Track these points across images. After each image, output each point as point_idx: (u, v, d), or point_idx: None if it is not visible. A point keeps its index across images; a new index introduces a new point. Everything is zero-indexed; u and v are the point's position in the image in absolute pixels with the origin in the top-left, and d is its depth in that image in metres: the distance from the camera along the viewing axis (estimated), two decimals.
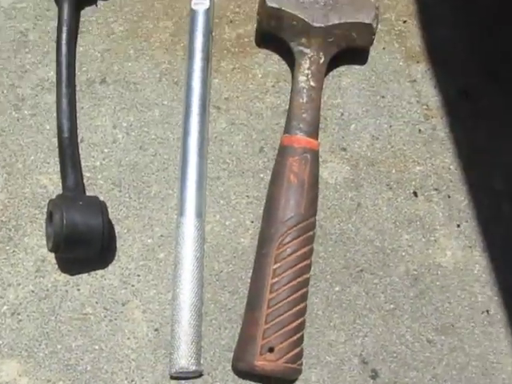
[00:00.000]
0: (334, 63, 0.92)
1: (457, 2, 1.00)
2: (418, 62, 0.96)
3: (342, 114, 0.92)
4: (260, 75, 0.94)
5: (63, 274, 0.84)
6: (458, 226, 0.89)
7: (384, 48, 0.97)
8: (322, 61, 0.89)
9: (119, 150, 0.90)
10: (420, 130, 0.93)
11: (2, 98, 0.93)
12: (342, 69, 0.95)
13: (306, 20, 0.88)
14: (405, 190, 0.89)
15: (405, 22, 0.99)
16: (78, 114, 0.91)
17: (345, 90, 0.94)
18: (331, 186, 0.89)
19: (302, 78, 0.88)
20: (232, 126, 0.91)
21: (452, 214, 0.89)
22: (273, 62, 0.95)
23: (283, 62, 0.95)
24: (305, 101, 0.86)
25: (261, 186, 0.88)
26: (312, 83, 0.87)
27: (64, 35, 0.91)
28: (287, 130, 0.86)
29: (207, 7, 0.93)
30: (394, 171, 0.90)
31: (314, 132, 0.85)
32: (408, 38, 0.98)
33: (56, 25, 0.93)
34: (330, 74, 0.94)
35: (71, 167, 0.85)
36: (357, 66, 0.95)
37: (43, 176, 0.88)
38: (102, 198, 0.85)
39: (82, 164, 0.88)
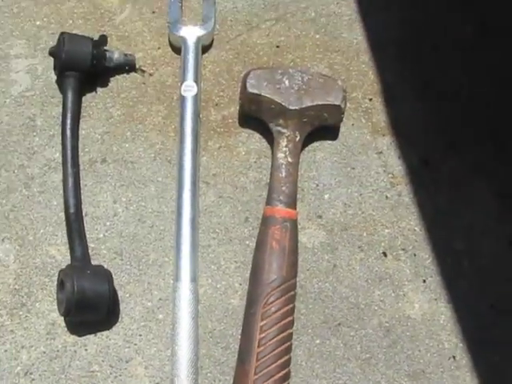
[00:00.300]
0: (308, 139, 1.04)
1: (416, 81, 1.13)
2: (383, 136, 1.09)
3: (317, 185, 1.04)
4: (243, 152, 1.06)
5: (72, 336, 0.94)
6: (424, 281, 1.00)
7: (353, 124, 1.09)
8: (297, 139, 1.01)
9: (120, 223, 1.00)
10: (387, 197, 1.04)
11: (13, 177, 1.03)
12: (315, 144, 1.07)
13: (283, 104, 1.00)
14: (375, 251, 1.01)
15: (370, 99, 1.12)
16: (82, 191, 1.01)
17: (319, 164, 1.06)
18: (309, 250, 1.00)
19: (280, 155, 0.99)
20: (220, 199, 1.02)
21: (418, 270, 1.00)
22: (255, 140, 1.07)
23: (264, 141, 1.06)
24: (284, 175, 0.98)
25: (247, 252, 0.99)
26: (289, 159, 0.99)
27: (68, 120, 1.03)
28: (269, 201, 0.97)
29: (195, 93, 1.05)
30: (365, 234, 1.02)
31: (292, 203, 0.97)
32: (374, 114, 1.11)
33: (61, 110, 1.05)
34: (306, 149, 1.06)
35: (78, 239, 0.95)
36: (329, 142, 1.07)
37: (52, 247, 0.99)
38: (106, 267, 0.95)
39: (87, 236, 0.98)
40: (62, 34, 1.05)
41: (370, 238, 1.01)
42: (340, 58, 1.15)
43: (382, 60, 1.15)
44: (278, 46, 1.15)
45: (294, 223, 0.95)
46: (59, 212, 1.00)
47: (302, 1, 1.20)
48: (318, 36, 1.17)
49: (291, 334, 0.91)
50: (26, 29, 1.15)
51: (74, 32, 1.12)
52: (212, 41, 1.14)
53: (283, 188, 0.97)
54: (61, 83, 1.07)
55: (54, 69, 1.07)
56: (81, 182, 1.01)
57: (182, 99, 1.05)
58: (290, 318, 0.91)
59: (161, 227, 1.00)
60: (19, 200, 1.01)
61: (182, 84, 1.06)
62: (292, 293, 0.92)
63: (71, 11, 1.17)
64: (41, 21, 1.16)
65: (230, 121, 1.08)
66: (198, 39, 1.10)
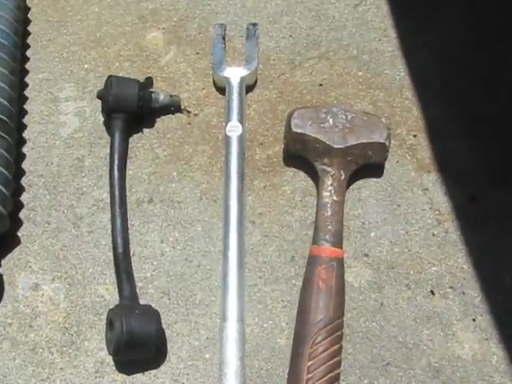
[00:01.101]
0: (353, 177, 1.04)
1: (460, 116, 1.12)
2: (428, 172, 1.08)
3: (363, 223, 1.04)
4: (289, 191, 1.06)
5: (120, 374, 0.94)
6: (474, 320, 0.98)
7: (397, 161, 1.09)
8: (342, 177, 1.01)
9: (167, 262, 1.01)
10: (434, 234, 1.03)
11: (63, 217, 1.05)
12: (360, 182, 1.06)
13: (327, 142, 1.01)
14: (423, 289, 0.99)
15: (415, 136, 1.11)
16: (129, 231, 1.02)
17: (364, 202, 1.05)
18: (356, 289, 0.99)
19: (325, 194, 1.00)
20: (266, 238, 1.03)
21: (467, 309, 0.99)
22: (300, 179, 1.07)
23: (309, 179, 1.06)
24: (329, 214, 0.98)
25: (293, 292, 0.98)
26: (335, 198, 0.99)
27: (116, 161, 1.05)
28: (315, 240, 0.97)
29: (240, 133, 1.06)
30: (412, 272, 1.01)
31: (338, 242, 0.97)
32: (419, 151, 1.10)
33: (108, 151, 1.07)
34: (351, 187, 1.05)
35: (126, 279, 0.96)
36: (374, 179, 1.07)
37: (101, 286, 1.00)
38: (153, 306, 0.96)
39: (135, 275, 0.99)
40: (109, 77, 1.08)
41: (417, 276, 1.00)
42: (383, 95, 1.15)
43: (426, 96, 1.15)
44: (321, 84, 1.15)
45: (341, 262, 0.95)
46: (107, 251, 1.01)
47: (344, 38, 1.21)
48: (360, 73, 1.17)
49: (339, 374, 0.91)
50: (75, 72, 1.18)
51: (120, 74, 1.14)
52: (256, 80, 1.15)
53: (329, 227, 0.96)
54: (108, 125, 1.09)
55: (102, 111, 1.09)
56: (128, 221, 1.02)
57: (227, 139, 1.06)
58: (337, 358, 0.90)
59: (207, 267, 1.00)
60: (69, 239, 1.03)
61: (226, 124, 1.07)
62: (339, 332, 0.91)
63: (117, 54, 1.20)
64: (89, 64, 1.19)
65: (275, 160, 1.08)
66: (242, 79, 1.11)
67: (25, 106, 1.14)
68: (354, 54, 1.18)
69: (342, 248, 0.97)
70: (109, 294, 0.99)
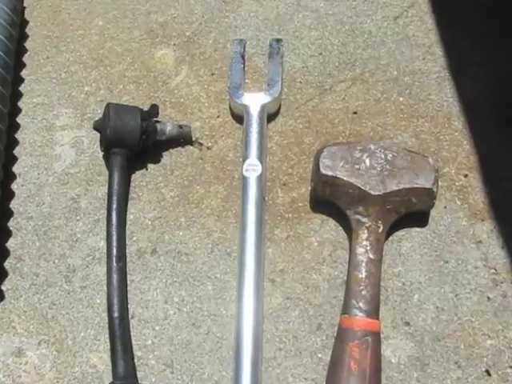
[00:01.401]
0: (392, 227, 0.87)
1: None
2: (482, 221, 0.91)
3: (404, 284, 0.87)
4: (316, 243, 0.90)
5: None
6: None
7: (445, 207, 0.92)
8: (380, 230, 0.84)
9: (171, 328, 0.86)
10: (489, 298, 0.86)
11: (54, 269, 0.91)
12: (401, 233, 0.90)
13: (363, 188, 0.85)
14: (476, 369, 0.83)
15: (466, 176, 0.94)
16: (128, 288, 0.88)
17: (405, 257, 0.89)
18: (394, 366, 0.83)
19: (360, 250, 0.83)
20: (288, 301, 0.87)
21: None
22: (329, 228, 0.91)
23: (340, 229, 0.91)
24: (364, 276, 0.82)
25: (319, 368, 0.82)
26: (371, 255, 0.83)
27: (114, 205, 0.91)
28: (346, 309, 0.81)
29: (259, 174, 0.91)
30: (462, 346, 0.84)
31: (374, 311, 0.80)
32: (470, 194, 0.93)
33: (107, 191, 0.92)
34: (389, 238, 0.89)
35: (122, 352, 0.82)
36: (417, 229, 0.90)
37: (93, 354, 0.85)
38: (153, 380, 0.81)
39: (133, 343, 0.85)
40: (108, 105, 0.93)
41: (468, 351, 0.83)
42: (428, 125, 0.99)
43: (479, 126, 0.99)
44: (355, 112, 0.99)
45: (377, 337, 0.79)
46: (102, 312, 0.87)
47: (382, 57, 1.05)
48: (401, 99, 1.01)
49: None
50: (74, 96, 1.05)
51: (124, 98, 1.02)
52: (279, 107, 1.01)
53: (363, 292, 0.80)
54: (106, 161, 0.94)
55: (100, 144, 0.94)
56: (127, 277, 0.89)
57: (245, 180, 0.91)
58: None
59: (218, 334, 0.85)
60: (59, 296, 0.89)
61: (244, 162, 0.92)
62: None
63: (122, 75, 1.06)
64: (89, 86, 1.05)
65: (300, 204, 0.92)
66: (263, 107, 0.96)
67: (16, 135, 1.01)
68: (393, 75, 1.03)
69: (378, 318, 0.80)
70: (102, 363, 0.84)
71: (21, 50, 1.10)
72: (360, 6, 1.11)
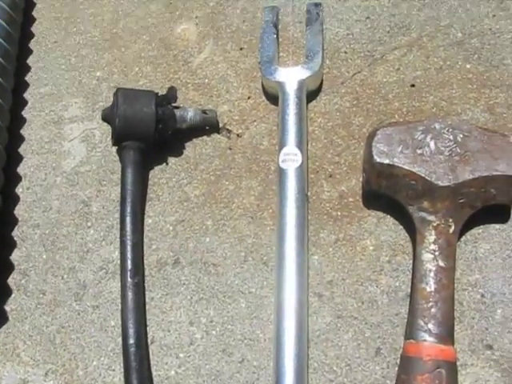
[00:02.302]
0: (466, 225, 0.70)
1: None
2: None
3: (483, 296, 0.70)
4: (371, 247, 0.74)
5: None
6: None
7: None
8: (451, 230, 0.68)
9: (197, 355, 0.72)
10: None
11: (62, 285, 0.79)
12: (477, 231, 0.73)
13: (428, 178, 0.68)
14: None
15: None
16: (147, 307, 0.75)
17: (483, 262, 0.72)
18: None
19: (426, 256, 0.67)
20: (338, 320, 0.71)
21: None
22: (387, 228, 0.75)
23: (401, 228, 0.74)
24: (433, 289, 0.65)
25: None
26: (441, 263, 0.66)
27: (128, 209, 0.78)
28: (411, 332, 0.64)
29: (299, 164, 0.75)
30: None
31: (447, 334, 0.64)
32: None
33: None
34: (462, 239, 0.73)
35: None
36: (497, 226, 0.74)
37: None
38: None
39: (154, 373, 0.72)
40: (117, 90, 0.79)
41: None
42: (504, 96, 0.83)
43: None
44: (413, 85, 0.83)
45: (452, 367, 0.63)
46: (117, 336, 0.74)
47: (443, 17, 0.88)
48: (468, 66, 0.84)
49: None
50: (84, 83, 0.92)
51: (140, 82, 0.90)
52: (321, 83, 0.85)
53: (432, 309, 0.64)
54: (119, 157, 0.80)
55: (111, 137, 0.80)
56: (146, 294, 0.75)
57: (282, 172, 0.76)
58: None
59: (254, 362, 0.71)
60: (68, 318, 0.77)
61: (280, 151, 0.76)
62: None
63: (138, 55, 0.92)
64: (101, 71, 0.92)
65: (351, 200, 0.77)
66: (301, 84, 0.81)
67: (22, 131, 0.90)
68: (458, 38, 0.87)
69: (453, 343, 0.64)
70: None
71: (27, 36, 0.98)
72: None
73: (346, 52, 0.88)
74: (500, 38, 0.87)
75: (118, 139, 0.79)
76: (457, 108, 0.82)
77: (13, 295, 0.80)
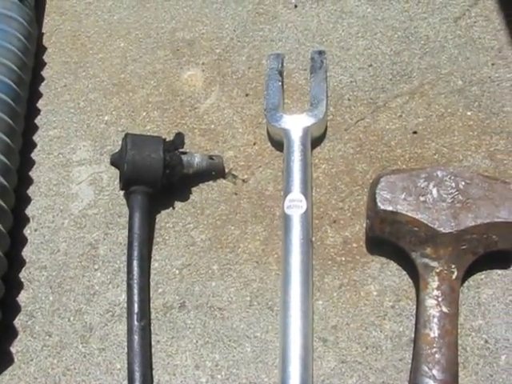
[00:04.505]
0: (468, 271, 0.71)
1: None
2: None
3: (487, 341, 0.71)
4: (375, 292, 0.75)
5: None
6: None
7: None
8: (454, 275, 0.69)
9: None
10: None
11: (68, 327, 0.79)
12: (479, 277, 0.74)
13: (431, 225, 0.69)
14: None
15: None
16: (153, 350, 0.75)
17: (486, 307, 0.73)
18: None
19: (430, 302, 0.68)
20: (343, 366, 0.72)
21: None
22: (390, 273, 0.76)
23: (404, 273, 0.75)
24: (436, 334, 0.66)
25: None
26: (444, 308, 0.67)
27: (135, 252, 0.78)
28: (415, 377, 0.65)
29: (303, 211, 0.76)
30: None
31: (452, 380, 0.65)
32: None
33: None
34: (465, 284, 0.74)
35: None
36: (499, 272, 0.75)
37: None
38: None
39: None
40: (126, 136, 0.80)
41: None
42: (504, 143, 0.84)
43: None
44: (415, 132, 0.85)
45: None
46: (122, 379, 0.75)
47: (444, 65, 0.90)
48: (469, 113, 0.86)
49: None
50: (92, 126, 0.93)
51: (147, 127, 0.91)
52: (325, 130, 0.87)
53: (436, 355, 0.65)
54: (126, 201, 0.81)
55: (119, 181, 0.81)
56: (152, 337, 0.76)
57: (287, 218, 0.77)
58: None
59: None
60: (74, 360, 0.77)
61: (285, 197, 0.77)
62: None
63: (145, 100, 0.93)
64: (109, 115, 0.93)
65: (355, 245, 0.78)
66: (306, 131, 0.82)
67: (30, 173, 0.90)
68: (458, 85, 0.89)
69: None
70: None
71: (37, 79, 1.00)
72: (413, 8, 0.97)
73: (349, 99, 0.90)
74: (499, 86, 0.89)
75: (126, 184, 0.80)
76: (458, 155, 0.84)
77: (19, 336, 0.80)
